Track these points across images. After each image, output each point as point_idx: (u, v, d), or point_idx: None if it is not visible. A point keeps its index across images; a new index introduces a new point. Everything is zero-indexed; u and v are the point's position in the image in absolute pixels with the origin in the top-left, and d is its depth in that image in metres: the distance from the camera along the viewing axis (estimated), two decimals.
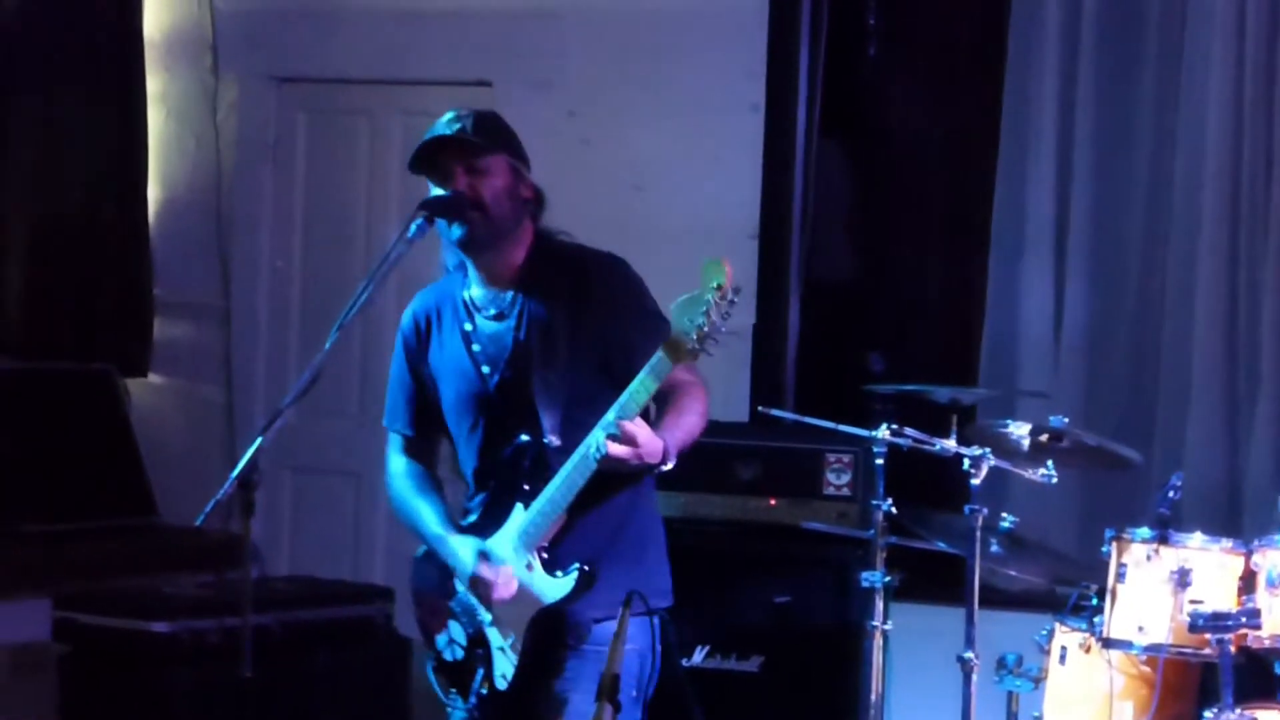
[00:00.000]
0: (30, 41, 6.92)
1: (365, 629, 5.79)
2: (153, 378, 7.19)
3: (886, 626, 4.95)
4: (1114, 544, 4.65)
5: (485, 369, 3.86)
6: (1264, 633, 4.47)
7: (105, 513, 6.71)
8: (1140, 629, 4.56)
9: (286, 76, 7.09)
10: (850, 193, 6.56)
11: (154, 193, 7.19)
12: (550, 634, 3.79)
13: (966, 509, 4.76)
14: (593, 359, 3.79)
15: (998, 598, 5.40)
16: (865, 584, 4.94)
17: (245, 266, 7.07)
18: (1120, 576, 4.61)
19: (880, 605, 4.93)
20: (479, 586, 3.80)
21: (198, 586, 5.76)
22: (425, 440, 4.04)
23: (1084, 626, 4.78)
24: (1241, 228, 5.78)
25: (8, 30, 6.90)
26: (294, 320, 7.05)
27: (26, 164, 6.97)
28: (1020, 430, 4.86)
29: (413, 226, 3.74)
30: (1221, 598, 4.51)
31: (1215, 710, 4.41)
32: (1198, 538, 4.60)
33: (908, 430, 4.85)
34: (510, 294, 3.86)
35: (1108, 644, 4.62)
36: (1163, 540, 4.58)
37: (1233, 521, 5.60)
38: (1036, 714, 4.85)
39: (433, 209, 3.78)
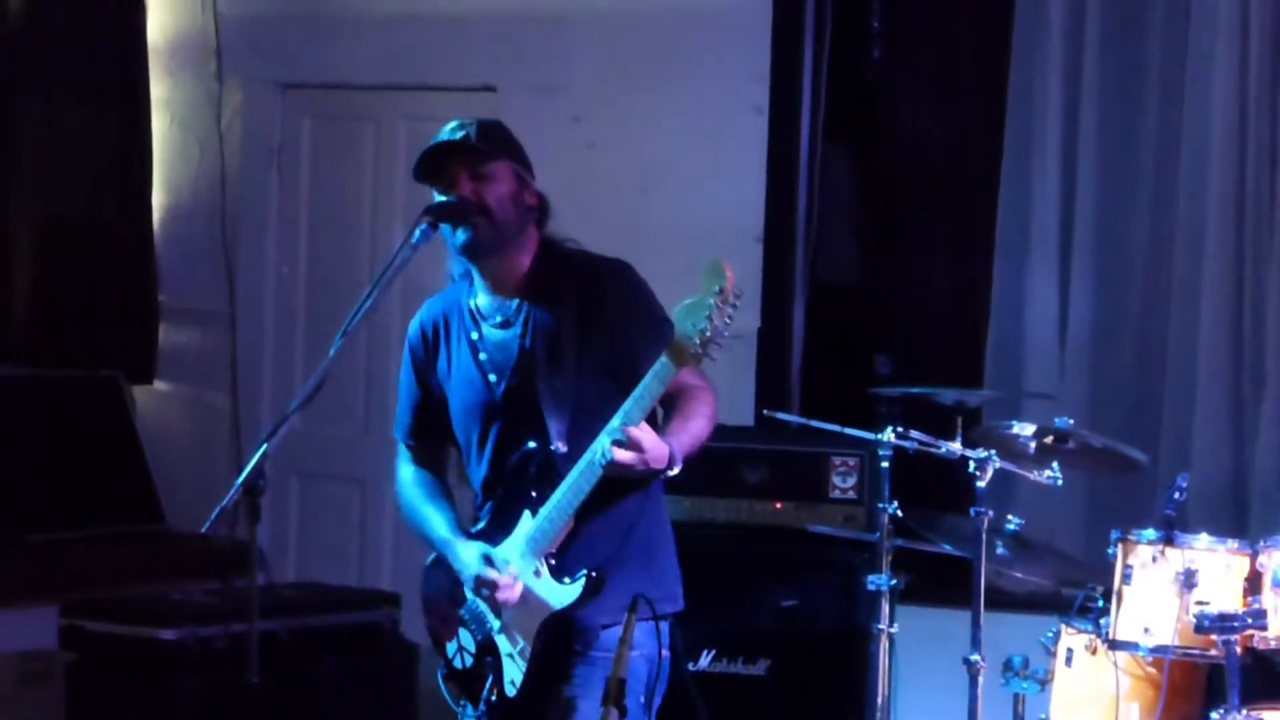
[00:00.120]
0: (35, 48, 6.93)
1: (372, 635, 5.80)
2: (158, 384, 7.20)
3: (893, 629, 4.95)
4: (1120, 545, 4.66)
5: (492, 377, 3.86)
6: (1270, 633, 4.47)
7: (111, 520, 6.72)
8: (1146, 630, 4.56)
9: (291, 82, 7.10)
10: (855, 195, 6.56)
11: (158, 199, 7.20)
12: (558, 640, 3.79)
13: (972, 511, 4.76)
14: (599, 366, 3.79)
15: (1004, 600, 5.40)
16: (871, 587, 4.94)
17: (250, 272, 7.08)
18: (1126, 578, 4.61)
19: (886, 608, 4.93)
20: (483, 590, 3.80)
21: (204, 593, 5.77)
22: (434, 449, 4.05)
23: (1090, 628, 4.78)
24: (1246, 228, 5.78)
25: (13, 37, 6.91)
26: (299, 326, 7.06)
27: (31, 170, 6.97)
28: (1026, 432, 4.85)
29: (417, 232, 3.75)
30: (1227, 599, 4.52)
31: (1221, 711, 4.41)
32: (1203, 539, 4.61)
33: (913, 433, 4.86)
34: (516, 301, 3.87)
35: (1114, 645, 4.63)
36: (1168, 541, 4.58)
37: (1238, 522, 5.61)
38: (1043, 716, 4.85)
39: (437, 214, 3.78)
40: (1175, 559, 4.56)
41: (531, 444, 3.80)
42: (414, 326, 4.01)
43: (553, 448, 3.77)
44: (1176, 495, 4.63)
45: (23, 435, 6.65)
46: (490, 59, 6.72)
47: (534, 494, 3.78)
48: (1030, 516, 5.15)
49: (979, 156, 6.23)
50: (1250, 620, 4.43)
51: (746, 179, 6.39)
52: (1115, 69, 5.98)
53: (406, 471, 4.05)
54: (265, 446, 3.55)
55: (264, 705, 3.85)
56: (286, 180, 7.11)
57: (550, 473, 3.77)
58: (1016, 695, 4.97)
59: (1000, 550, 4.95)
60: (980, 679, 4.77)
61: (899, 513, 4.92)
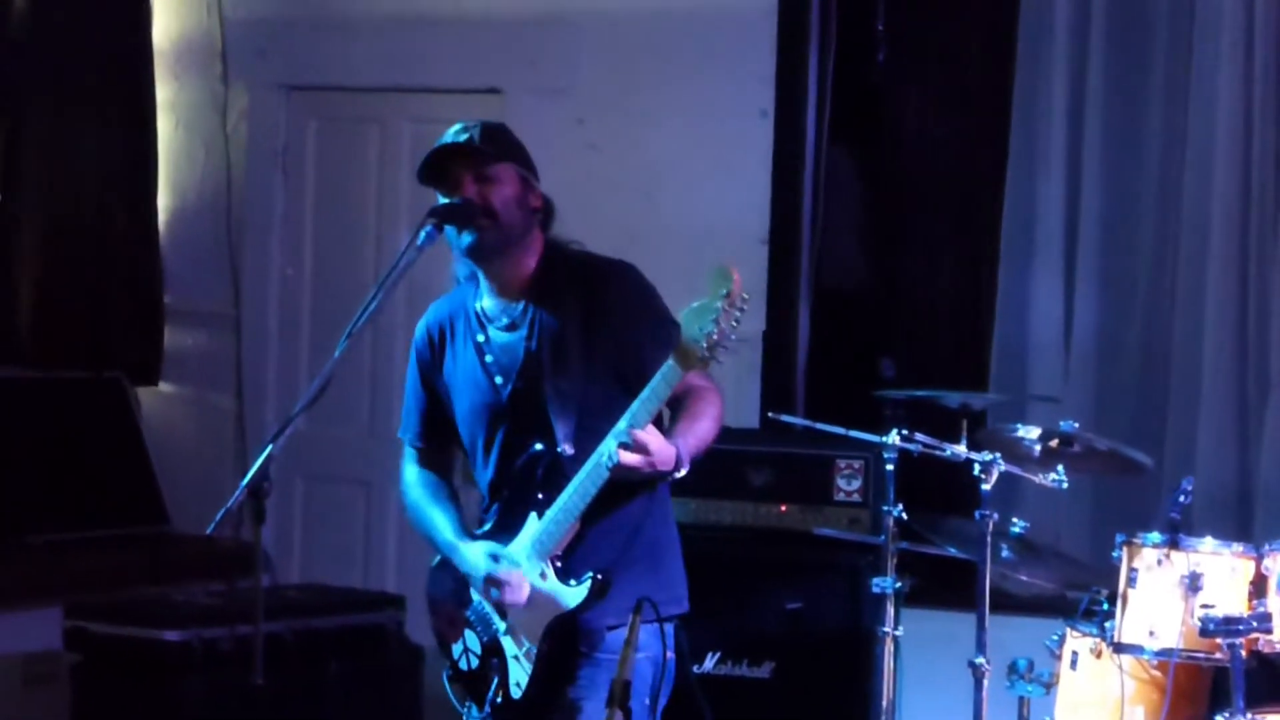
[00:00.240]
0: (40, 52, 6.93)
1: (377, 637, 5.80)
2: (163, 386, 7.20)
3: (898, 632, 4.94)
4: (1125, 548, 4.65)
5: (498, 380, 3.86)
6: (1275, 637, 4.46)
7: (116, 521, 6.72)
8: (1151, 633, 4.56)
9: (296, 84, 7.09)
10: (860, 198, 6.56)
11: (164, 201, 7.20)
12: (564, 642, 3.79)
13: (977, 514, 4.76)
14: (605, 368, 3.79)
15: (1009, 603, 5.39)
16: (876, 590, 4.93)
17: (255, 274, 7.08)
18: (1131, 581, 4.61)
19: (891, 611, 4.92)
20: (490, 589, 3.80)
21: (209, 595, 5.77)
22: (440, 451, 4.05)
23: (1095, 631, 4.77)
24: (1251, 230, 5.79)
25: (18, 40, 6.92)
26: (304, 328, 7.06)
27: (37, 173, 6.98)
28: (1031, 435, 4.86)
29: (422, 234, 3.74)
30: (1233, 602, 4.51)
31: (1227, 715, 4.40)
32: (1209, 542, 4.60)
33: (918, 436, 4.85)
34: (521, 304, 3.86)
35: (1119, 649, 4.62)
36: (1173, 545, 4.58)
37: (1244, 526, 5.61)
38: (1047, 719, 4.85)
39: (442, 216, 3.78)
40: (1180, 562, 4.56)
41: (538, 446, 3.80)
42: (420, 329, 4.01)
43: (559, 450, 3.77)
44: (1181, 498, 4.63)
45: (28, 436, 6.65)
46: (495, 61, 6.72)
47: (540, 496, 3.78)
48: (1035, 519, 5.16)
49: (984, 159, 6.23)
50: (1255, 623, 4.42)
51: (751, 181, 6.39)
52: (1120, 72, 5.98)
53: (412, 473, 4.05)
54: (270, 448, 3.54)
55: (268, 707, 3.85)
56: (291, 182, 7.10)
57: (556, 475, 3.77)
58: (1021, 698, 4.97)
59: (1005, 553, 4.95)
60: (985, 682, 4.77)
61: (904, 515, 4.91)
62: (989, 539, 4.75)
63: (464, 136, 3.81)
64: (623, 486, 3.71)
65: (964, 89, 6.35)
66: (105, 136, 7.07)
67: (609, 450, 3.63)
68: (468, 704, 3.92)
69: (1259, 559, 4.56)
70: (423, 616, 4.06)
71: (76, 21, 7.01)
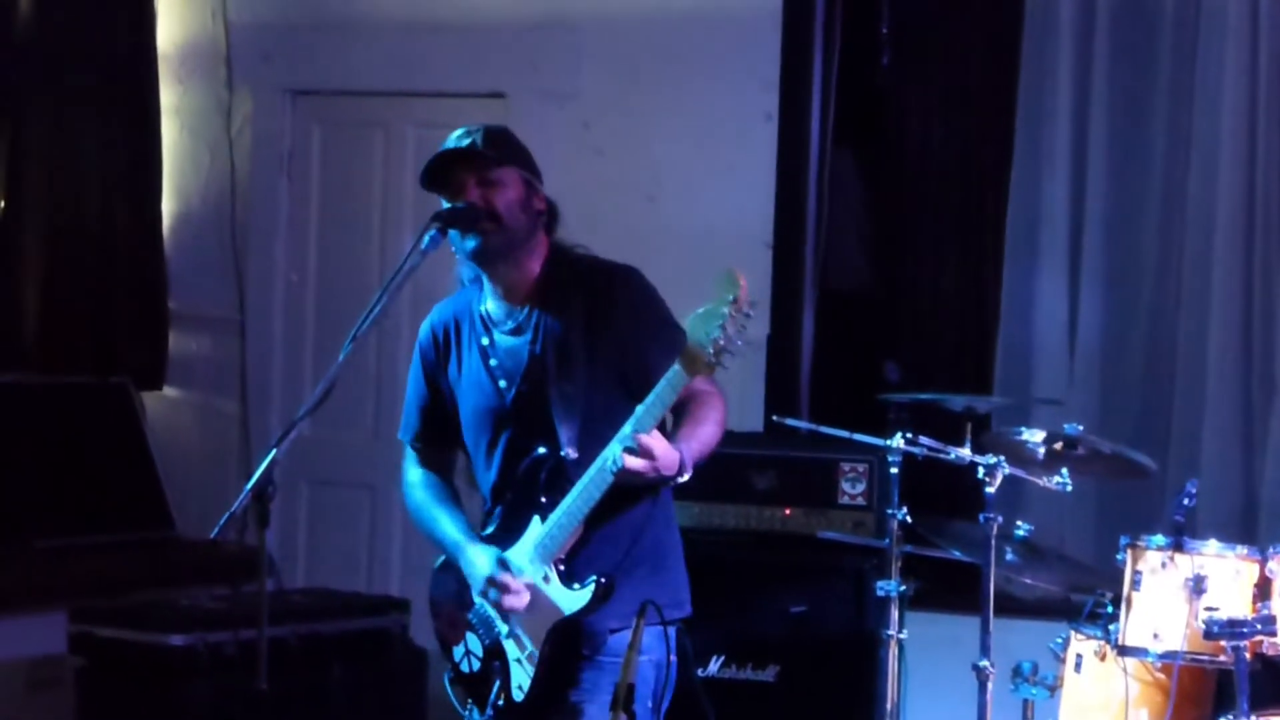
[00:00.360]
0: (45, 56, 6.94)
1: (381, 641, 5.80)
2: (168, 391, 7.20)
3: (902, 635, 4.95)
4: (1129, 551, 4.65)
5: (502, 383, 3.87)
6: (1279, 639, 4.47)
7: (121, 526, 6.71)
8: (1155, 636, 4.56)
9: (300, 89, 7.10)
10: (864, 201, 6.57)
11: (168, 206, 7.20)
12: (566, 645, 3.79)
13: (981, 517, 4.75)
14: (609, 372, 3.80)
15: (1013, 606, 5.41)
16: (881, 593, 4.94)
17: (260, 279, 7.09)
18: (1135, 584, 4.61)
19: (896, 614, 4.93)
20: (493, 591, 3.80)
21: (213, 599, 5.76)
22: (442, 453, 4.05)
23: (1099, 634, 4.77)
24: (1256, 233, 5.79)
25: (23, 45, 6.92)
26: (309, 332, 7.07)
27: (41, 177, 6.98)
28: (1035, 438, 4.86)
29: (426, 238, 3.75)
30: (1237, 605, 4.51)
31: (1231, 717, 4.40)
32: (1213, 545, 4.60)
33: (922, 439, 4.85)
34: (526, 308, 3.86)
35: (1123, 651, 4.62)
36: (1178, 547, 4.58)
37: (1248, 528, 5.61)
38: None
39: (446, 220, 3.78)
40: (1184, 565, 4.56)
41: (541, 450, 3.80)
42: (424, 330, 4.01)
43: (563, 453, 3.78)
44: (1186, 501, 4.62)
45: (33, 441, 6.65)
46: (500, 65, 6.73)
47: (544, 500, 3.78)
48: (1039, 522, 5.16)
49: (988, 162, 6.24)
50: (1259, 626, 4.42)
51: (756, 185, 6.40)
52: (1124, 73, 5.98)
53: (414, 474, 4.06)
54: (274, 452, 3.55)
55: (273, 711, 3.85)
56: (296, 187, 7.11)
57: (560, 478, 3.77)
58: (1026, 701, 4.97)
59: (1009, 556, 4.95)
60: (989, 685, 4.76)
61: (908, 519, 4.91)
62: (993, 542, 4.74)
63: (467, 141, 3.81)
64: (626, 490, 3.71)
65: (968, 91, 6.36)
66: (109, 141, 7.07)
67: (614, 455, 3.63)
68: (469, 706, 3.92)
69: (1263, 562, 4.56)
70: (426, 620, 4.06)
71: (80, 26, 7.01)
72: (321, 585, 6.50)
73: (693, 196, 6.47)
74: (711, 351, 3.50)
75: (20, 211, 6.95)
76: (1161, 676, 4.65)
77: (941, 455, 4.83)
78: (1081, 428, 4.86)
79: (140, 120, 7.12)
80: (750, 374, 6.16)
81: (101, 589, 6.05)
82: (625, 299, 3.83)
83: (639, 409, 3.62)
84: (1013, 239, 6.11)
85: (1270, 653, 4.50)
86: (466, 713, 3.94)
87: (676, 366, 3.56)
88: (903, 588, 4.93)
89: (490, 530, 3.91)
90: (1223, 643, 4.43)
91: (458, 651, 3.92)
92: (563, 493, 3.75)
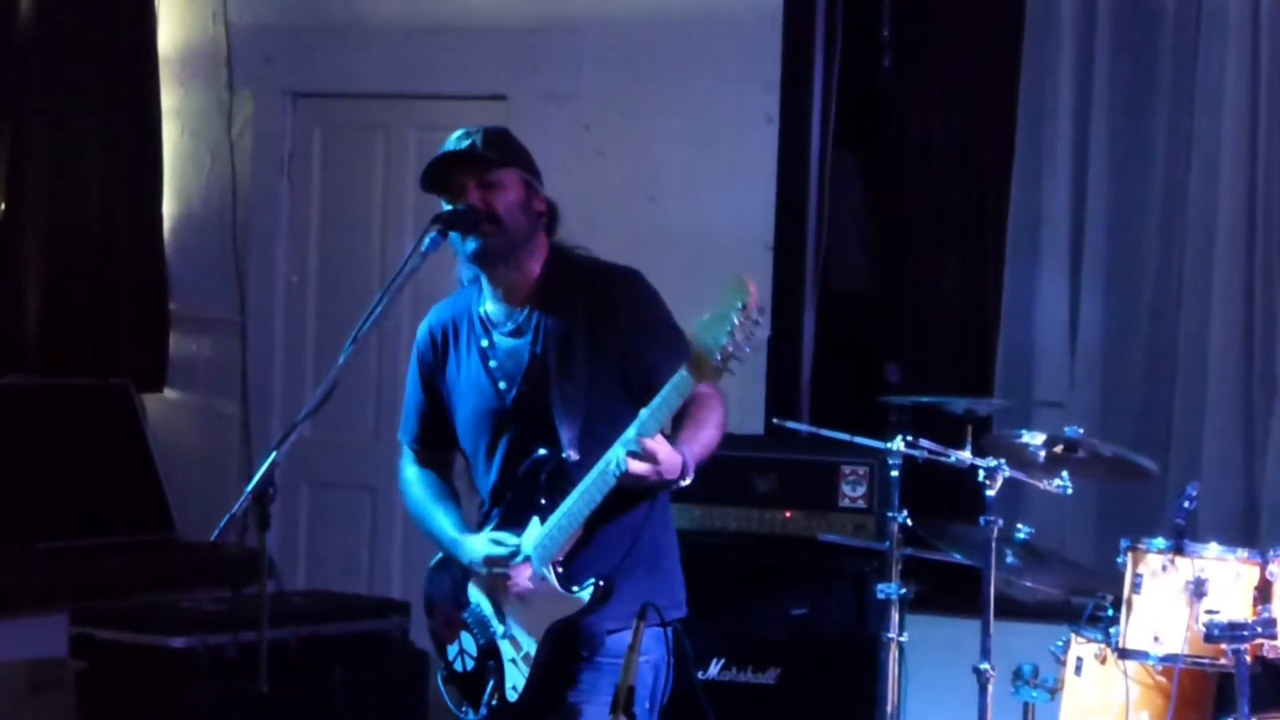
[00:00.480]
0: (46, 59, 6.93)
1: (382, 643, 5.80)
2: (168, 393, 7.20)
3: (902, 638, 4.95)
4: (1129, 554, 4.64)
5: (502, 385, 3.86)
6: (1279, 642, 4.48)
7: (121, 528, 6.71)
8: (1156, 639, 4.55)
9: (301, 91, 7.09)
10: (865, 203, 6.57)
11: (169, 208, 7.20)
12: (564, 645, 3.79)
13: (982, 520, 4.74)
14: (610, 373, 3.80)
15: (1014, 609, 5.39)
16: (881, 596, 4.94)
17: (260, 281, 7.08)
18: (1136, 587, 4.59)
19: (896, 617, 4.93)
20: (494, 575, 3.80)
21: (214, 601, 5.75)
22: (440, 453, 4.05)
23: (1100, 637, 4.76)
24: (1257, 234, 5.79)
25: (23, 47, 6.92)
26: (310, 334, 7.06)
27: (42, 179, 6.97)
28: (1036, 441, 4.84)
29: (426, 240, 3.74)
30: (1237, 608, 4.50)
31: None
32: (1213, 548, 4.58)
33: (923, 442, 4.85)
34: (526, 309, 3.86)
35: (1124, 654, 4.61)
36: (1178, 550, 4.56)
37: (1248, 531, 5.60)
38: None
39: (447, 222, 3.78)
40: (1185, 568, 4.55)
41: (542, 451, 3.80)
42: (423, 331, 4.01)
43: (564, 455, 3.77)
44: (1187, 504, 4.61)
45: (33, 443, 6.64)
46: (501, 67, 6.72)
47: (543, 501, 3.78)
48: (1040, 525, 5.15)
49: (990, 164, 6.24)
50: (1260, 629, 4.40)
51: (757, 187, 6.40)
52: (1126, 74, 5.98)
53: (412, 472, 4.06)
54: (275, 454, 3.55)
55: (274, 714, 3.85)
56: (297, 189, 7.10)
57: (561, 480, 3.77)
58: (1026, 704, 4.96)
59: (1010, 559, 4.94)
60: (990, 688, 4.75)
61: (909, 521, 4.91)
62: (994, 545, 4.74)
63: (466, 143, 3.81)
64: (626, 493, 3.71)
65: (969, 92, 6.35)
66: (110, 143, 7.07)
67: (617, 458, 3.62)
68: (464, 706, 3.93)
69: (1264, 564, 4.55)
70: (425, 621, 4.06)
71: (82, 28, 7.01)
72: (322, 587, 6.51)
73: (693, 198, 6.47)
74: (719, 358, 3.49)
75: (21, 213, 6.94)
76: (1162, 679, 4.64)
77: (942, 458, 4.83)
78: (1082, 430, 4.85)
79: (141, 122, 7.12)
80: (751, 376, 6.16)
81: (102, 591, 6.04)
82: (626, 300, 3.83)
83: (643, 413, 3.62)
84: (1014, 240, 6.10)
85: (1271, 656, 4.49)
86: (461, 712, 3.94)
87: (684, 372, 3.55)
88: (903, 590, 4.93)
89: (488, 531, 3.90)
90: (1223, 646, 4.41)
91: (451, 650, 3.93)
92: (563, 495, 3.75)
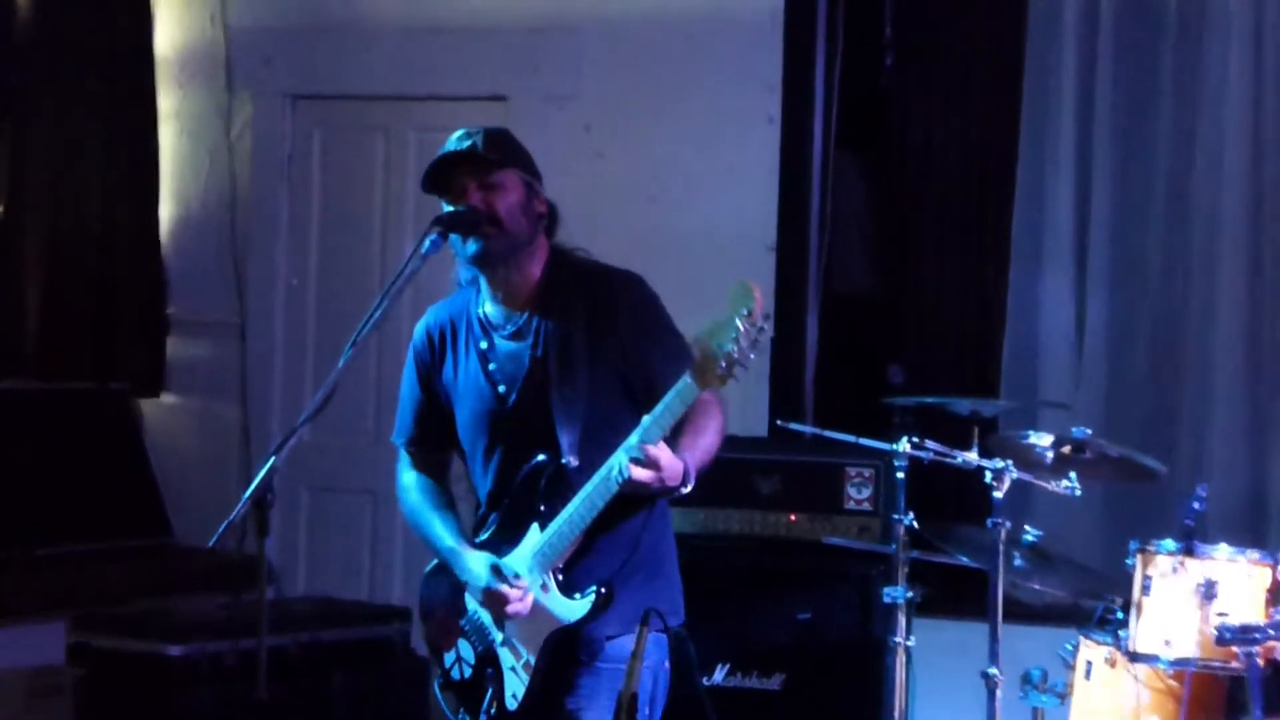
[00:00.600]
0: (43, 60, 6.92)
1: (383, 650, 5.77)
2: (167, 397, 7.17)
3: (909, 642, 4.93)
4: (1139, 556, 4.62)
5: (502, 388, 3.84)
6: None
7: (119, 534, 6.69)
8: (1166, 642, 4.53)
9: (301, 93, 7.07)
10: (869, 203, 6.55)
11: (167, 210, 7.18)
12: (563, 652, 3.77)
13: (989, 522, 4.73)
14: (611, 378, 3.78)
15: (1021, 612, 5.36)
16: (887, 599, 4.92)
17: (260, 284, 7.06)
18: (1145, 589, 4.58)
19: (903, 621, 4.91)
20: (492, 602, 3.78)
21: (212, 608, 5.75)
22: (436, 456, 4.03)
23: (1109, 640, 4.74)
24: (1263, 233, 5.78)
25: (21, 49, 6.90)
26: (309, 338, 7.04)
27: (40, 182, 6.97)
28: (1043, 442, 4.82)
29: (426, 242, 3.72)
30: (1248, 610, 4.48)
31: None
32: (1223, 549, 4.57)
33: (929, 443, 4.84)
34: (526, 312, 3.84)
35: (1134, 658, 4.59)
36: (1188, 552, 4.55)
37: (1259, 532, 5.59)
38: None
39: (447, 224, 3.76)
40: (1195, 570, 4.53)
41: (541, 457, 3.78)
42: (419, 330, 3.99)
43: (564, 461, 3.75)
44: (1196, 505, 4.60)
45: (31, 448, 6.63)
46: (501, 68, 6.70)
47: (543, 507, 3.76)
48: (1048, 527, 5.13)
49: (993, 164, 6.22)
50: (1272, 631, 4.40)
51: (759, 188, 6.37)
52: (1129, 73, 5.98)
53: (409, 476, 4.04)
54: (274, 459, 3.53)
55: None
56: (296, 191, 7.08)
57: (560, 486, 3.75)
58: (1035, 709, 4.94)
59: (1018, 562, 4.92)
60: (998, 692, 4.73)
61: (915, 524, 4.89)
62: (1001, 547, 4.72)
63: (467, 143, 3.79)
64: (626, 499, 3.68)
65: (972, 92, 6.34)
66: (108, 145, 7.05)
67: (620, 465, 3.60)
68: (461, 714, 3.90)
69: (1275, 566, 4.55)
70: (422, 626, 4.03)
71: (79, 30, 7.00)
72: (322, 593, 6.49)
73: (694, 199, 6.45)
74: (724, 364, 3.48)
75: (19, 216, 6.93)
76: (1173, 683, 4.62)
77: (948, 459, 4.82)
78: (1089, 431, 4.82)
79: (139, 124, 7.10)
80: (754, 378, 6.12)
81: (100, 597, 6.04)
82: (627, 304, 3.81)
83: (646, 420, 3.60)
84: (1018, 241, 6.09)
85: None
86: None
87: (688, 379, 3.54)
88: (910, 594, 4.91)
89: (486, 536, 3.89)
90: (1235, 649, 4.41)
91: (449, 658, 3.91)
92: (563, 501, 3.73)
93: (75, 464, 6.69)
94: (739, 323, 3.46)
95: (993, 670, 4.73)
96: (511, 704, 3.79)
